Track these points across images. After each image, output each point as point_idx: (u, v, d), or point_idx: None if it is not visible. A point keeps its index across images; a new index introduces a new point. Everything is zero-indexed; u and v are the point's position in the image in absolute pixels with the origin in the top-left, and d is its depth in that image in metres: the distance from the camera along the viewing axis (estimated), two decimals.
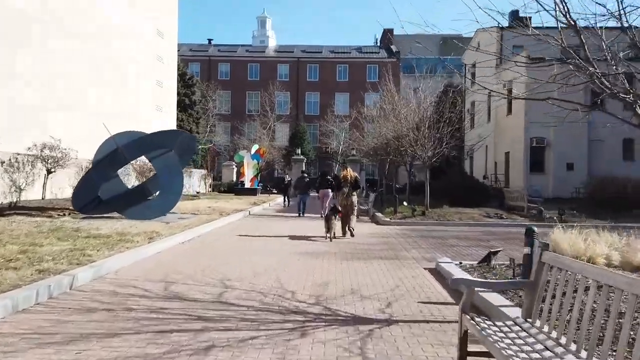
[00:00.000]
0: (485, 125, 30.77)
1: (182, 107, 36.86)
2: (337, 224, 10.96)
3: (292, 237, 11.21)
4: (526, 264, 5.47)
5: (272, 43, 66.45)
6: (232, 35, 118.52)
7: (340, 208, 11.20)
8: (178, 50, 58.90)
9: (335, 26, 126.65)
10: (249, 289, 5.99)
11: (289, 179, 23.43)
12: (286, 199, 23.95)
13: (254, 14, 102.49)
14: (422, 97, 19.62)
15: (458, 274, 6.41)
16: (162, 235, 9.86)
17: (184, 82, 37.51)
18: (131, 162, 15.69)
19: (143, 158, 15.03)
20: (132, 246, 8.35)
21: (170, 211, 12.69)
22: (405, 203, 17.46)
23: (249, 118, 50.28)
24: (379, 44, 63.43)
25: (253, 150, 31.43)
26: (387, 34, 63.70)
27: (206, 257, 8.37)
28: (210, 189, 32.53)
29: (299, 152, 37.24)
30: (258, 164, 31.67)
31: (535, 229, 5.66)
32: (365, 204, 21.09)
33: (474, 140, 30.15)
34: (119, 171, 13.43)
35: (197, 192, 29.73)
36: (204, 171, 32.85)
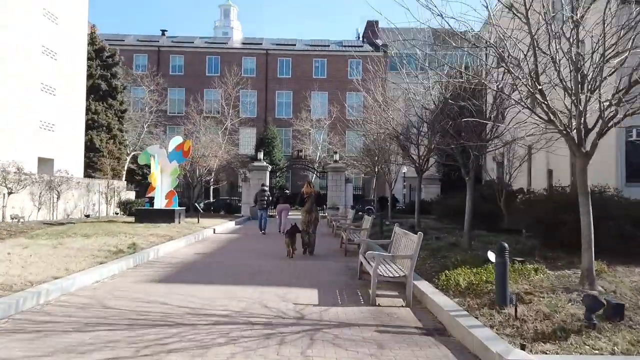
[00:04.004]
0: (523, 116, 21.34)
1: (97, 95, 26.56)
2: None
3: None
4: None
5: (238, 36, 56.94)
6: (191, 30, 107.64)
7: (303, 225, 10.99)
8: (122, 41, 48.81)
9: (312, 20, 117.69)
10: None
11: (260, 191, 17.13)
12: None
13: (216, 3, 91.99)
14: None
15: None
16: None
17: (102, 60, 27.20)
18: None
19: None
20: None
21: None
22: (492, 257, 6.06)
23: (205, 120, 40.15)
24: (361, 38, 54.70)
25: (172, 146, 17.59)
26: (371, 26, 55.12)
27: None
28: (118, 210, 20.93)
29: (261, 158, 26.94)
30: (179, 167, 17.96)
31: None
32: (388, 264, 7.03)
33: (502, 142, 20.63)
34: None
35: (87, 216, 19.09)
36: (116, 183, 21.72)
